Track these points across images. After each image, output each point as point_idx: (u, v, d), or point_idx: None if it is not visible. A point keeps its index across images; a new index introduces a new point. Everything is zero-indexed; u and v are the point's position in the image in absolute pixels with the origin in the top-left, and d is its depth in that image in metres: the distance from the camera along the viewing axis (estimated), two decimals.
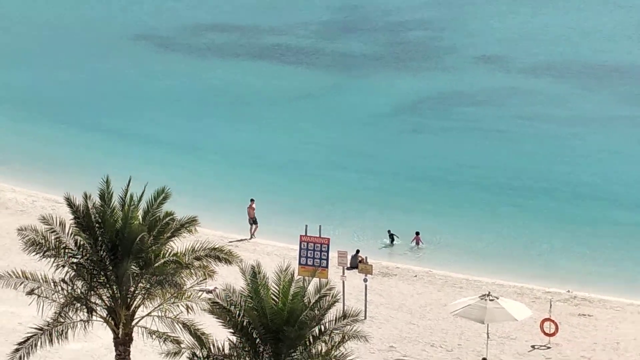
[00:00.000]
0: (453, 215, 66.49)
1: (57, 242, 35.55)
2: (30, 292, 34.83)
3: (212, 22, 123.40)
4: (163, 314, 35.10)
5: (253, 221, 60.63)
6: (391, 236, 60.82)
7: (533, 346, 46.56)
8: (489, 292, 45.37)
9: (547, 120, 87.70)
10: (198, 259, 35.80)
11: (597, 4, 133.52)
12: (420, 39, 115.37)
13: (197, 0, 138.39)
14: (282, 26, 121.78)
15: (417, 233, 61.33)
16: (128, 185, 36.94)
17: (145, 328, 35.26)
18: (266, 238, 59.21)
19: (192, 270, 35.52)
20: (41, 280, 35.56)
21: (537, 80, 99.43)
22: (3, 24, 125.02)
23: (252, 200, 61.86)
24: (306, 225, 52.10)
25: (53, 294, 34.95)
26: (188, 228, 35.84)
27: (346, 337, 34.10)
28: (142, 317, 36.16)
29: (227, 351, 32.96)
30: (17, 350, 34.22)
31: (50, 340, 34.25)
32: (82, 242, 35.46)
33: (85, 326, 35.01)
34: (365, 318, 44.20)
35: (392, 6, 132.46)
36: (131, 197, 36.38)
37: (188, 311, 34.67)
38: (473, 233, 63.23)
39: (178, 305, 34.96)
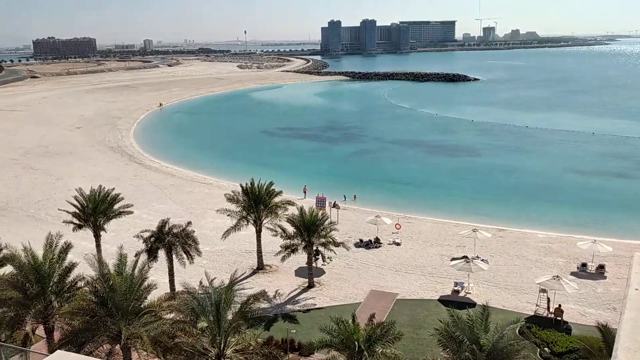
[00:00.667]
0: (369, 188, 75.44)
1: (236, 197, 47.44)
2: (228, 215, 46.70)
3: (284, 127, 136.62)
4: (271, 222, 46.36)
5: (304, 192, 70.00)
6: (344, 197, 69.70)
7: (393, 232, 56.54)
8: (378, 216, 56.19)
9: (390, 148, 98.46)
10: (283, 204, 47.24)
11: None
12: (354, 132, 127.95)
13: (276, 119, 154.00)
14: (309, 128, 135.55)
15: (354, 195, 71.42)
16: (258, 181, 47.29)
17: (265, 227, 47.15)
18: (307, 198, 66.76)
19: (280, 208, 46.97)
20: (231, 211, 46.64)
21: (388, 144, 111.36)
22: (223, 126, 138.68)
23: (305, 185, 71.57)
24: (319, 193, 64.57)
25: (235, 215, 46.42)
26: (279, 194, 48.33)
27: (331, 229, 49.49)
28: (265, 222, 47.28)
29: (292, 234, 48.82)
30: (223, 235, 46.31)
31: (234, 231, 45.70)
32: (244, 199, 46.89)
33: (246, 226, 46.84)
34: (337, 223, 51.65)
35: (345, 121, 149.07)
36: (260, 184, 47.25)
37: (279, 220, 45.79)
38: (373, 196, 70.76)
39: (276, 219, 46.31)
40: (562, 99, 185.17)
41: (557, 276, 39.26)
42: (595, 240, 47.42)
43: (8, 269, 31.14)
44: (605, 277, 45.59)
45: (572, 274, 46.14)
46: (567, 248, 51.90)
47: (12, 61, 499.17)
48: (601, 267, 46.62)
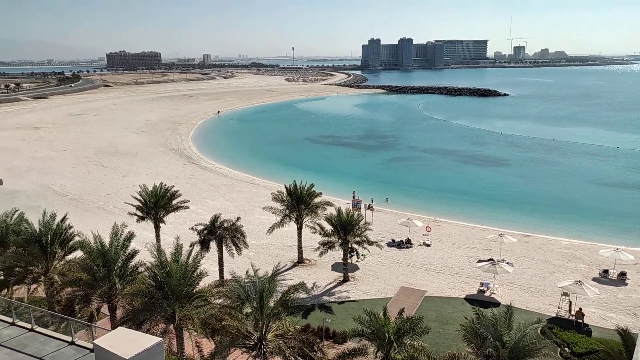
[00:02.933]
0: (403, 192, 73.17)
1: (281, 197, 47.32)
2: (273, 212, 47.23)
3: (325, 134, 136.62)
4: (311, 220, 46.45)
5: (353, 196, 65.25)
6: (372, 199, 65.51)
7: (423, 234, 55.41)
8: (410, 219, 55.12)
9: (423, 156, 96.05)
10: (322, 204, 47.27)
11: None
12: (390, 140, 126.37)
13: (319, 127, 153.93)
14: (348, 136, 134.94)
15: (387, 198, 70.25)
16: (300, 183, 47.20)
17: (306, 224, 47.27)
18: (346, 200, 59.23)
19: (320, 208, 46.96)
20: (275, 209, 46.95)
21: (422, 152, 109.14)
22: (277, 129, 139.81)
23: (354, 191, 67.83)
24: (356, 195, 64.18)
25: (279, 212, 46.67)
26: (319, 195, 48.15)
27: (365, 229, 49.41)
28: (304, 220, 47.34)
29: (330, 232, 49.40)
30: (268, 230, 46.87)
31: (278, 227, 45.96)
32: (287, 198, 46.82)
33: (288, 223, 46.81)
34: (371, 224, 52.42)
35: (381, 130, 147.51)
36: (302, 185, 47.15)
37: (318, 219, 45.86)
38: (406, 199, 69.57)
39: (315, 217, 46.51)
40: (588, 114, 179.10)
41: (579, 281, 37.88)
42: (617, 249, 45.62)
43: (79, 253, 32.12)
44: (626, 284, 43.68)
45: (594, 279, 44.46)
46: (590, 255, 50.08)
47: (88, 71, 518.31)
48: (622, 274, 44.69)
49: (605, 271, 45.35)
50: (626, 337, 24.43)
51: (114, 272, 28.91)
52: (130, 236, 31.43)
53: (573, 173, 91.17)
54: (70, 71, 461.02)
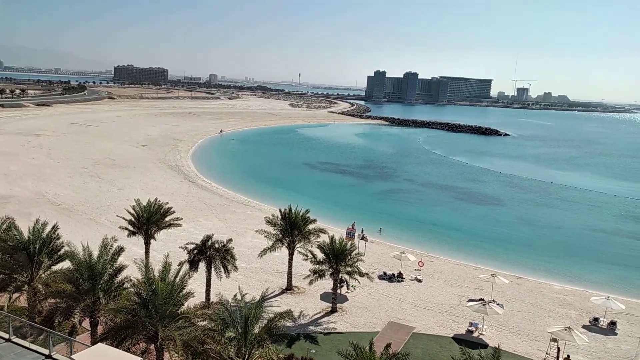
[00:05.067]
0: (397, 225, 71.29)
1: (275, 221, 46.95)
2: (265, 236, 47.51)
3: (324, 161, 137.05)
4: (303, 247, 45.99)
5: (352, 226, 62.62)
6: (362, 229, 64.12)
7: (415, 269, 54.75)
8: (403, 252, 54.73)
9: (420, 190, 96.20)
10: (316, 231, 46.95)
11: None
12: (388, 171, 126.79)
13: (319, 154, 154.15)
14: (347, 164, 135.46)
15: (380, 228, 69.64)
16: (295, 208, 46.84)
17: (297, 250, 46.72)
18: (340, 229, 56.40)
19: (313, 235, 46.53)
20: (268, 233, 46.99)
21: (419, 186, 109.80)
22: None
23: (354, 222, 64.72)
24: (350, 224, 63.04)
25: (271, 236, 46.46)
26: (313, 222, 47.77)
27: (358, 259, 49.07)
28: (296, 246, 46.82)
29: (321, 260, 49.11)
30: (259, 254, 47.14)
31: (270, 251, 45.55)
32: (281, 223, 46.53)
33: (280, 248, 46.44)
34: (364, 255, 52.38)
35: (380, 161, 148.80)
36: (297, 210, 46.89)
37: (311, 246, 45.39)
38: (400, 232, 68.51)
39: (308, 244, 45.97)
40: (587, 160, 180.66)
41: (569, 327, 37.58)
42: (609, 297, 45.45)
43: (66, 264, 31.82)
44: (616, 334, 43.26)
45: (584, 326, 44.06)
46: (581, 302, 49.85)
47: (94, 82, 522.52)
48: (613, 323, 44.33)
49: (596, 319, 44.98)
50: None
51: (99, 286, 28.56)
52: (119, 250, 31.22)
53: (569, 218, 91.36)
54: (77, 81, 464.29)
